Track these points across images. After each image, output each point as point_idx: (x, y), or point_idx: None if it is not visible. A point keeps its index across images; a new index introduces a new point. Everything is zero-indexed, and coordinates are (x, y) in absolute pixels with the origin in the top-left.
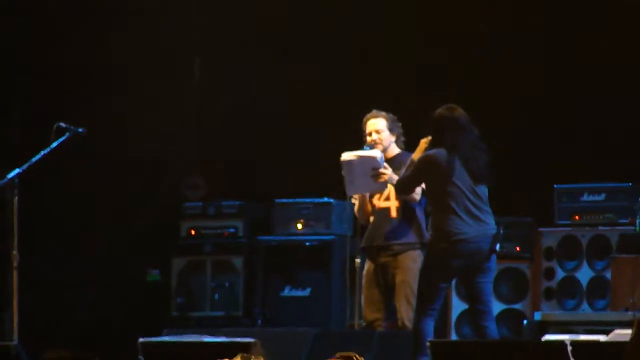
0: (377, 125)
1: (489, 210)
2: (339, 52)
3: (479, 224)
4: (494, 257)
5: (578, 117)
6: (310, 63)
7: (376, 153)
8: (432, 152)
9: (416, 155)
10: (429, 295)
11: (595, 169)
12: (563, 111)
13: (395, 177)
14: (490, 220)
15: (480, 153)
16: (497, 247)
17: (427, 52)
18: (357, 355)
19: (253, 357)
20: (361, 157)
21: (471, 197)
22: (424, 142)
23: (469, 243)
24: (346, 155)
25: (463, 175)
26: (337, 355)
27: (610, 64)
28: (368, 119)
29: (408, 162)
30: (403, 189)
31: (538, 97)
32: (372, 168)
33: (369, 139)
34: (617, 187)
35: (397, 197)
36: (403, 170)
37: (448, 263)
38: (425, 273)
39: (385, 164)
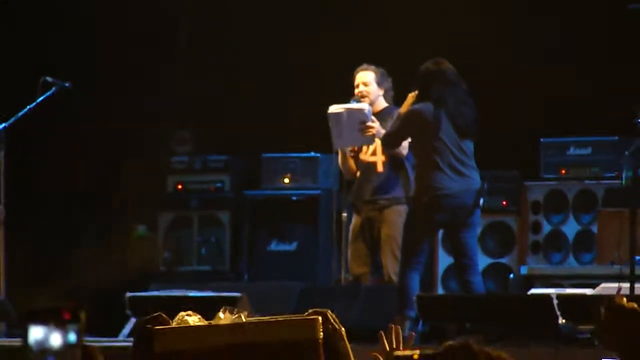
0: (366, 78)
1: (474, 165)
2: (329, 6)
3: (463, 178)
4: (478, 211)
5: (563, 70)
6: (297, 16)
7: (364, 106)
8: (418, 106)
9: (404, 109)
10: (413, 249)
11: (582, 122)
12: (550, 64)
13: (383, 131)
14: (475, 175)
15: (467, 108)
16: (482, 201)
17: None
18: (330, 312)
19: (237, 310)
20: (349, 110)
21: (456, 152)
22: (411, 97)
23: (452, 198)
24: (334, 108)
25: (449, 129)
26: (311, 311)
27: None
28: (357, 72)
29: (395, 115)
30: (389, 142)
31: (525, 50)
32: (360, 121)
33: (356, 91)
34: (603, 140)
35: (384, 152)
36: (390, 124)
37: (431, 217)
38: (409, 227)
39: (373, 117)
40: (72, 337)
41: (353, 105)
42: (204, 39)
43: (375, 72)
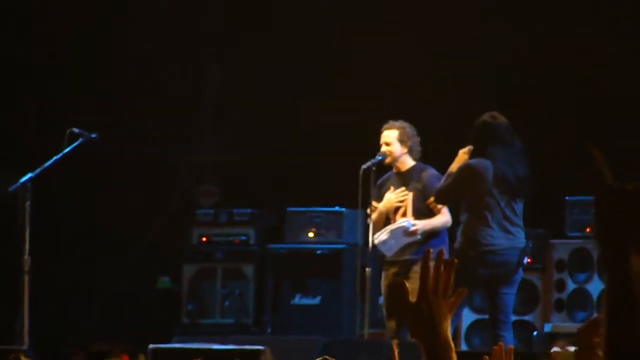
0: (388, 138)
1: (521, 224)
2: (351, 61)
3: (509, 236)
4: (520, 270)
5: (590, 129)
6: (323, 69)
7: (404, 222)
8: (473, 161)
9: (454, 166)
10: None
11: None
12: (575, 122)
13: (424, 223)
14: (521, 234)
15: (521, 167)
16: (525, 260)
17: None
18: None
19: None
20: (392, 231)
21: (506, 210)
22: (462, 153)
23: (497, 255)
24: (378, 237)
25: (501, 187)
26: None
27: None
28: (382, 130)
29: (446, 174)
30: (444, 198)
31: (552, 110)
32: (403, 232)
33: (381, 150)
34: None
35: (415, 214)
36: (416, 184)
37: (474, 272)
38: None
39: (415, 222)
40: None
41: (394, 226)
42: (231, 93)
43: (399, 129)
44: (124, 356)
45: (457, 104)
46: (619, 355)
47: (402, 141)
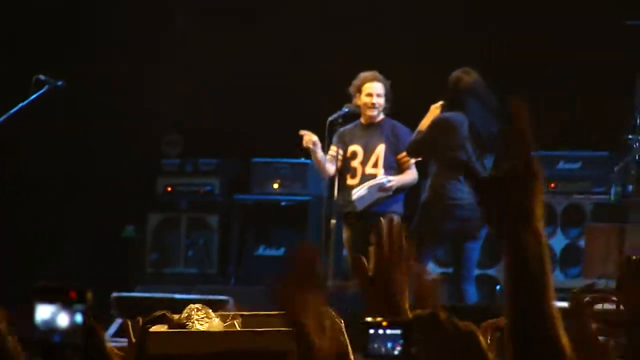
0: (379, 89)
1: None
2: (321, 13)
3: None
4: (486, 225)
5: (556, 85)
6: (290, 22)
7: (382, 179)
8: (449, 114)
9: (425, 121)
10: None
11: (572, 137)
12: (541, 78)
13: (397, 179)
14: None
15: (493, 122)
16: None
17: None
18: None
19: (231, 317)
20: (370, 187)
21: (476, 165)
22: (434, 108)
23: (464, 209)
24: (357, 193)
25: (473, 142)
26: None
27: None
28: (370, 80)
29: (416, 130)
30: (416, 151)
31: (515, 63)
32: (379, 188)
33: (366, 99)
34: (593, 156)
35: (385, 165)
36: (382, 136)
37: (440, 225)
38: (416, 232)
39: (391, 179)
40: (79, 317)
41: (372, 182)
42: (198, 41)
43: (386, 83)
44: (71, 292)
45: (426, 59)
46: (524, 335)
47: (386, 95)
